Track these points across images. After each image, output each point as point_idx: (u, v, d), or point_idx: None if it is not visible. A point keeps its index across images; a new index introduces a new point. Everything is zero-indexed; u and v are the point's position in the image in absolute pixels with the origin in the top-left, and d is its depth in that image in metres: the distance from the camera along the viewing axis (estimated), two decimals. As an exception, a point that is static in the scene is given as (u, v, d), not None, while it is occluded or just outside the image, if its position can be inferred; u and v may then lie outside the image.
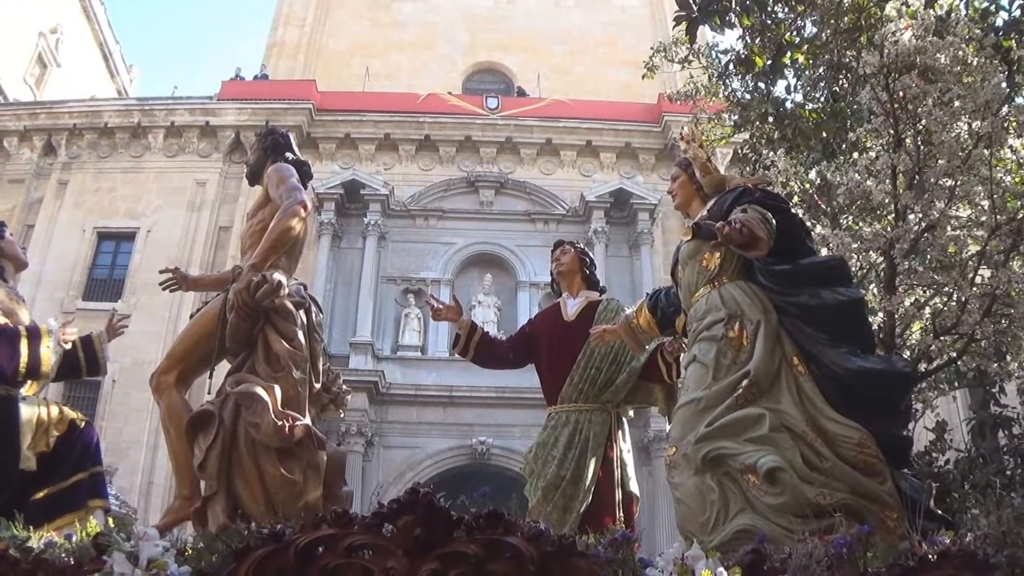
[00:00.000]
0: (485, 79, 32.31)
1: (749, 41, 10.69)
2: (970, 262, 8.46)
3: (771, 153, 9.84)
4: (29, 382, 5.57)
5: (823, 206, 9.71)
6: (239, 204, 24.06)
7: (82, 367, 6.04)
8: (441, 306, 6.46)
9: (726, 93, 11.71)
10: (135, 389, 20.73)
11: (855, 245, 8.28)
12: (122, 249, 24.78)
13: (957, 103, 7.96)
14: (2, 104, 27.82)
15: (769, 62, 10.52)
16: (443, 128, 26.63)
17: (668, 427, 5.00)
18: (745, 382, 4.06)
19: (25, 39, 30.61)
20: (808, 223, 9.13)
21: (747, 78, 11.18)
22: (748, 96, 11.37)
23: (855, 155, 9.06)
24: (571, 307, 6.41)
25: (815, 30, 10.59)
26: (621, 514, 5.69)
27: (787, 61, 10.72)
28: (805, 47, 10.57)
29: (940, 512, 4.24)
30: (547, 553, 2.88)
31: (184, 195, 25.15)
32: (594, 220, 24.50)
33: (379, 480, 21.05)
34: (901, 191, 8.20)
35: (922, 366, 8.86)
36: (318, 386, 5.28)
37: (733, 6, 9.79)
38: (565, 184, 25.92)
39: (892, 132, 8.27)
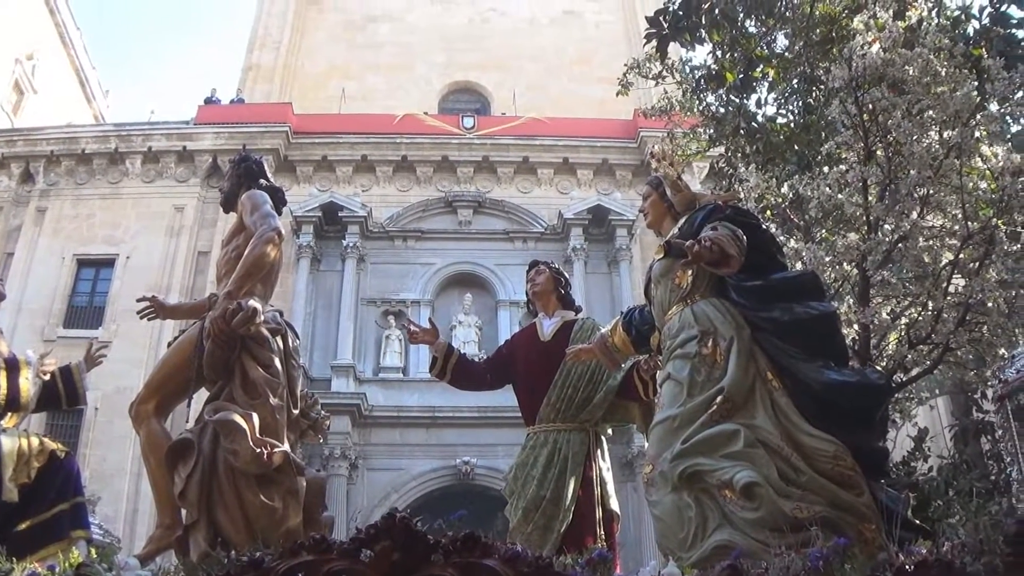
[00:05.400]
0: (461, 98, 32.34)
1: (720, 56, 10.76)
2: (944, 272, 8.50)
3: (745, 168, 9.88)
4: (9, 414, 5.57)
5: (796, 220, 9.76)
6: (218, 228, 23.80)
7: (61, 398, 6.04)
8: (418, 329, 6.49)
9: (701, 108, 11.75)
10: (117, 417, 20.56)
11: (828, 258, 8.31)
12: (102, 276, 24.62)
13: (930, 113, 8.00)
14: (-21, 132, 27.68)
15: (740, 76, 10.58)
16: (420, 149, 26.64)
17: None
18: (719, 398, 4.07)
19: (1, 66, 30.49)
20: (781, 237, 9.19)
21: (721, 92, 11.24)
22: (723, 110, 11.42)
23: (826, 168, 9.10)
24: (547, 327, 6.42)
25: (787, 43, 10.66)
26: (602, 532, 5.71)
27: (758, 75, 10.78)
28: (775, 61, 10.64)
29: (918, 522, 4.28)
30: (524, 575, 2.90)
31: (162, 220, 25.03)
32: (572, 237, 24.54)
33: (364, 503, 20.95)
34: (873, 203, 8.25)
35: (899, 376, 8.89)
36: (296, 412, 5.28)
37: (703, 22, 9.88)
38: (543, 202, 25.96)
39: (862, 145, 8.31)
